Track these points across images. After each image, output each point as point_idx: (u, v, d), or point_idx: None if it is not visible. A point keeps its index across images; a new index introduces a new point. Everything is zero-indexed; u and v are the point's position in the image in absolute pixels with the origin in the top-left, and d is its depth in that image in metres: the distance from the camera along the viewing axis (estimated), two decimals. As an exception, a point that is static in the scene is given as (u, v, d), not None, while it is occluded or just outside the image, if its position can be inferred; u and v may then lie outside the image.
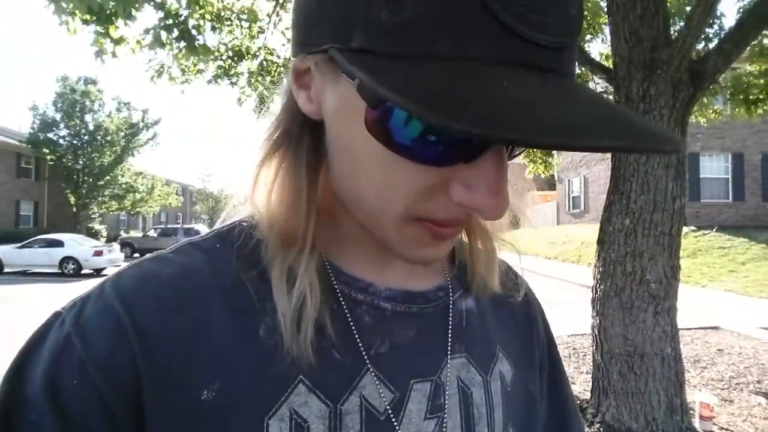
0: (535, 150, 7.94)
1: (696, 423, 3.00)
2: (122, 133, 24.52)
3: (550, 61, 0.29)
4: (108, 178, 24.12)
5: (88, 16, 3.68)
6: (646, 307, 2.92)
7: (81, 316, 0.36)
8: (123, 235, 25.33)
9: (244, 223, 0.42)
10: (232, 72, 6.05)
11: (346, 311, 0.41)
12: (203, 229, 24.02)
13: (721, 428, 3.05)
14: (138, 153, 25.48)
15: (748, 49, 4.90)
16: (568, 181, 20.02)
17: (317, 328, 0.37)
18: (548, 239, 16.91)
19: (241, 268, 0.39)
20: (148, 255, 0.41)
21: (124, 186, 25.43)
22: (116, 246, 16.45)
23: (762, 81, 5.43)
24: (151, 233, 22.88)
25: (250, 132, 0.43)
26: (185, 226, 25.31)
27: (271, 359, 0.37)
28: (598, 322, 3.08)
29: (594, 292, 3.17)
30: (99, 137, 23.69)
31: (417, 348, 0.42)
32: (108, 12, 3.65)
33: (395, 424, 0.38)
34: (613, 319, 2.99)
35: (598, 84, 6.51)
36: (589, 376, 3.24)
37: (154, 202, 28.95)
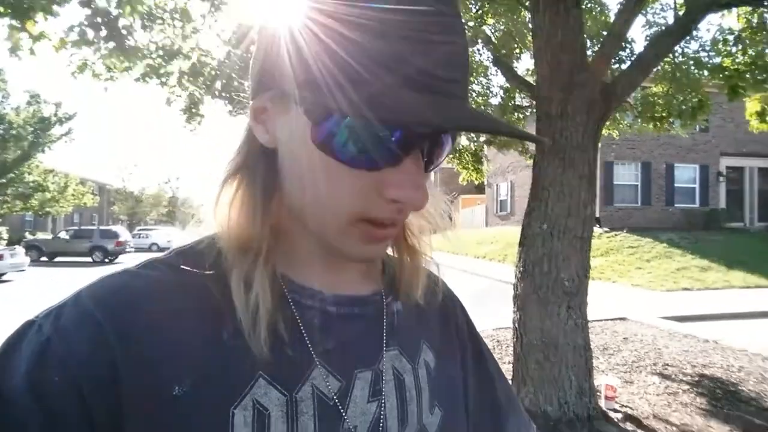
0: (465, 157, 8.41)
1: (602, 403, 3.39)
2: (30, 128, 22.11)
3: (452, 91, 0.40)
4: (12, 175, 21.63)
5: (1, 8, 3.44)
6: (560, 303, 3.26)
7: (59, 321, 0.39)
8: (28, 237, 22.87)
9: (206, 240, 0.48)
10: (162, 71, 5.84)
11: (297, 316, 0.47)
12: (122, 231, 22.04)
13: (622, 405, 3.46)
14: (49, 149, 23.16)
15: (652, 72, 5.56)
16: (496, 185, 21.07)
17: (274, 331, 0.43)
18: (477, 239, 17.72)
19: (206, 280, 0.44)
20: (116, 270, 0.45)
21: (31, 185, 22.99)
22: (20, 249, 14.82)
23: (663, 101, 6.14)
24: (63, 235, 21.12)
25: (210, 150, 0.53)
26: (102, 227, 23.04)
27: (234, 358, 0.42)
28: (518, 317, 3.39)
29: (515, 289, 3.48)
30: (2, 131, 21.16)
31: (359, 343, 0.49)
32: (25, 5, 3.43)
33: (340, 408, 0.45)
34: (531, 314, 3.31)
35: (524, 98, 7.02)
36: (511, 366, 3.56)
37: (66, 202, 26.31)
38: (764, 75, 5.34)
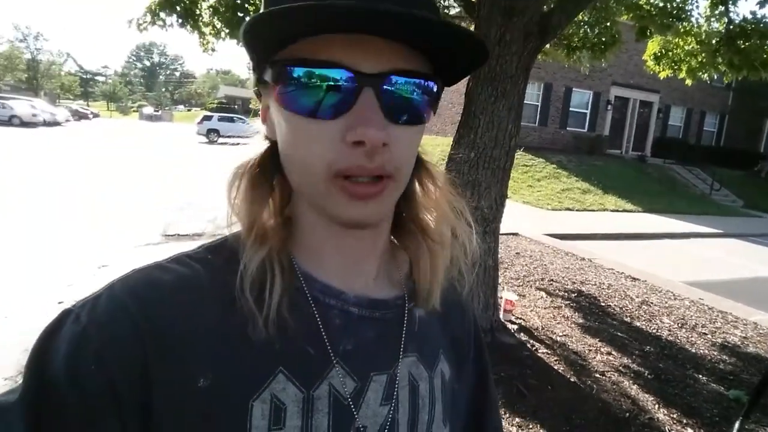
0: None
1: (501, 315, 3.85)
2: None
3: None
4: None
5: None
6: (477, 228, 3.48)
7: (95, 312, 0.41)
8: None
9: (234, 236, 0.49)
10: None
11: (317, 315, 0.48)
12: (19, 106, 18.24)
13: (517, 318, 3.96)
14: None
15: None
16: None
17: (296, 328, 0.45)
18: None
19: (230, 275, 0.46)
20: (148, 263, 0.47)
21: None
22: None
23: (581, 32, 6.35)
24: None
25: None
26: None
27: (256, 352, 0.44)
28: (439, 238, 3.59)
29: (438, 212, 3.63)
30: None
31: (377, 346, 0.50)
32: None
33: (353, 408, 0.47)
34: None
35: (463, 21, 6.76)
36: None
37: None
38: (669, 20, 5.74)
